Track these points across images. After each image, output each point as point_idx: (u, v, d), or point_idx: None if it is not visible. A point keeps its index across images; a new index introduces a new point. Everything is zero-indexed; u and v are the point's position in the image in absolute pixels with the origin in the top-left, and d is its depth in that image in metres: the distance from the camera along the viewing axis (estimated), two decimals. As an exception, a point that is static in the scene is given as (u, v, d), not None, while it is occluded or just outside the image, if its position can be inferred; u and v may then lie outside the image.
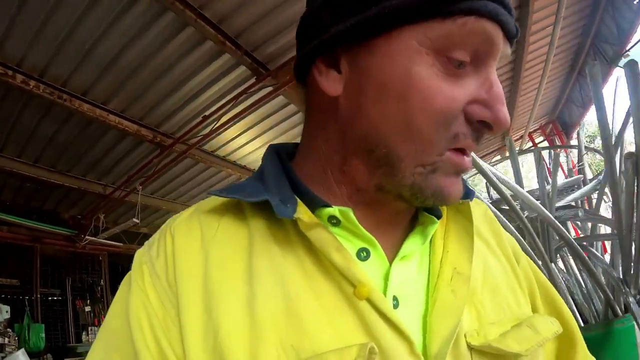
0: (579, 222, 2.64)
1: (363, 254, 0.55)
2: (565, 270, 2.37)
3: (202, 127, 4.89)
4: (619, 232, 1.95)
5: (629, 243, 1.92)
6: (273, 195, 0.54)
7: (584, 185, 2.68)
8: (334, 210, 0.55)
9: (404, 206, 0.58)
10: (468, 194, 0.63)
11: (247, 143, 5.84)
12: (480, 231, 0.68)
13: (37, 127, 4.66)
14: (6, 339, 5.48)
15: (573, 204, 2.54)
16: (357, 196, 0.57)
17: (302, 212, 0.53)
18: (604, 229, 2.63)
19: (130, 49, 3.90)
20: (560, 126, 10.46)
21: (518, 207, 2.21)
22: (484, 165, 2.13)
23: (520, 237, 2.23)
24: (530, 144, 10.78)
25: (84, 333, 7.32)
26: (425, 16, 0.49)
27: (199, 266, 0.53)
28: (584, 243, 2.22)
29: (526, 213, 2.26)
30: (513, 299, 0.62)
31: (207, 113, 4.78)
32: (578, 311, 2.18)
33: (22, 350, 5.34)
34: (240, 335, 0.47)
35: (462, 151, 0.53)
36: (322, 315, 0.49)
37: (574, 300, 2.21)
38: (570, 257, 2.42)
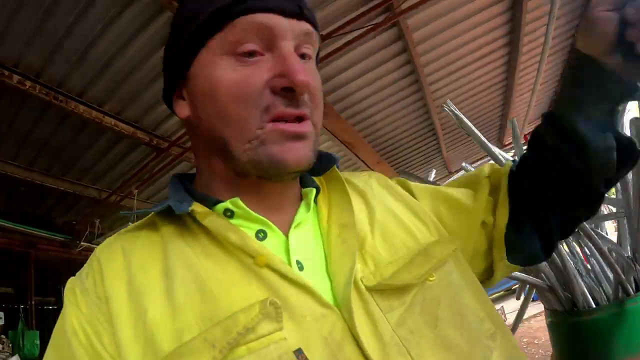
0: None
1: (261, 235, 0.66)
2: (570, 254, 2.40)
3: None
4: (627, 210, 1.97)
5: (637, 221, 1.95)
6: (172, 201, 0.65)
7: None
8: (226, 203, 0.67)
9: (281, 185, 0.70)
10: (331, 159, 0.78)
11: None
12: (365, 190, 0.80)
13: (33, 130, 4.62)
14: (0, 346, 5.40)
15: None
16: (237, 187, 0.69)
17: (196, 207, 0.65)
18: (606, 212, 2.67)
19: (127, 49, 3.88)
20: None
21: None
22: (495, 149, 2.22)
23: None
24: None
25: (78, 340, 7.23)
26: (209, 37, 0.65)
27: (123, 273, 0.62)
28: (591, 225, 2.25)
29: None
30: (408, 235, 0.73)
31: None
32: (590, 294, 2.22)
33: (16, 356, 5.29)
34: (164, 318, 0.56)
35: (290, 120, 0.64)
36: (230, 286, 0.58)
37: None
38: (573, 241, 2.46)
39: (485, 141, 2.40)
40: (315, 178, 0.80)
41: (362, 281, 0.62)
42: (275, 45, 0.64)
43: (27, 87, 3.89)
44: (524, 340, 8.80)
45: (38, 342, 6.10)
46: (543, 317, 8.56)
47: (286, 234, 0.67)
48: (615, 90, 0.70)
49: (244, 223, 0.66)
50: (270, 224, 0.67)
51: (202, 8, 0.65)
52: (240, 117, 0.62)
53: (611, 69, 0.67)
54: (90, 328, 0.58)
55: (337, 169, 0.78)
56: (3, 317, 5.69)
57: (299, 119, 0.65)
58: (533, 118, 9.72)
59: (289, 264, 0.63)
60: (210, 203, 0.68)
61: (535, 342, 8.41)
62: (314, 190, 0.74)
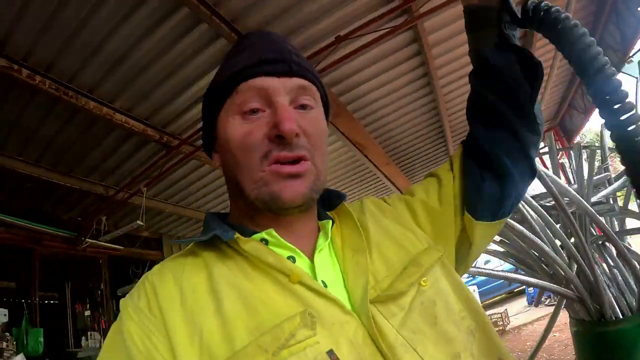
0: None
1: (291, 260, 0.77)
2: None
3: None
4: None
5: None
6: (219, 231, 0.76)
7: (609, 184, 2.68)
8: (262, 233, 0.79)
9: (299, 218, 0.83)
10: (340, 196, 0.93)
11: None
12: (360, 218, 0.91)
13: (41, 125, 4.54)
14: (4, 343, 5.31)
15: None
16: (264, 221, 0.81)
17: (239, 236, 0.75)
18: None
19: (141, 45, 3.80)
20: (561, 132, 10.42)
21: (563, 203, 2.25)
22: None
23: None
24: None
25: (83, 338, 7.17)
26: (223, 102, 0.81)
27: (176, 296, 0.71)
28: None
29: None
30: (399, 248, 0.84)
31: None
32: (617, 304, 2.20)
33: (22, 355, 5.21)
34: (217, 332, 0.65)
35: (287, 162, 0.75)
36: (270, 302, 0.69)
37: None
38: (597, 254, 2.45)
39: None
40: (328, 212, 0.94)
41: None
42: (271, 101, 0.77)
43: (37, 81, 3.81)
44: (528, 343, 8.71)
45: (42, 339, 6.02)
46: (547, 319, 8.46)
47: (310, 259, 0.79)
48: (492, 15, 0.90)
49: (276, 249, 0.78)
50: (298, 250, 0.79)
51: (218, 80, 0.84)
52: (246, 164, 0.77)
53: (483, 3, 0.91)
54: (146, 338, 0.67)
55: (345, 204, 0.92)
56: (7, 314, 5.57)
57: (297, 160, 0.76)
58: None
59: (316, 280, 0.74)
60: (247, 233, 0.79)
61: (540, 345, 8.31)
62: (330, 222, 0.86)
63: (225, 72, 0.82)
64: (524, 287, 11.39)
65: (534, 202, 2.43)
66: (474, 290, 9.56)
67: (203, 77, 4.29)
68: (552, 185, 2.15)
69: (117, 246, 7.06)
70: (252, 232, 0.80)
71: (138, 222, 5.55)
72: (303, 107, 0.81)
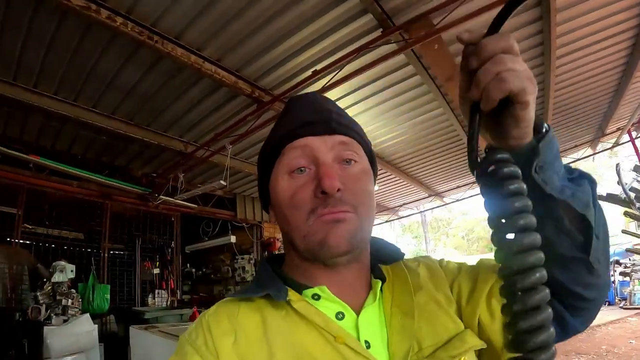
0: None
1: (340, 316, 0.80)
2: None
3: (309, 83, 4.14)
4: None
5: None
6: (271, 289, 0.79)
7: None
8: (315, 289, 0.81)
9: (350, 272, 0.83)
10: (398, 254, 0.91)
11: (351, 105, 5.05)
12: (416, 280, 0.88)
13: (119, 73, 4.06)
14: (70, 301, 5.06)
15: None
16: (319, 274, 0.82)
17: (292, 295, 0.79)
18: None
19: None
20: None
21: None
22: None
23: None
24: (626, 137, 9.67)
25: (150, 296, 6.95)
26: (273, 163, 0.85)
27: (229, 335, 0.76)
28: None
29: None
30: (448, 319, 0.81)
31: (317, 67, 4.02)
32: None
33: (87, 315, 4.98)
34: None
35: (329, 213, 0.76)
36: (318, 356, 0.72)
37: None
38: None
39: None
40: (382, 266, 0.91)
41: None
42: (316, 158, 0.80)
43: (118, 24, 3.28)
44: (603, 347, 7.87)
45: (108, 296, 5.85)
46: (622, 323, 7.65)
47: (358, 314, 0.80)
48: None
49: (327, 304, 0.80)
50: (347, 307, 0.80)
51: (268, 144, 0.88)
52: (295, 220, 0.79)
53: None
54: None
55: (402, 264, 0.90)
56: (74, 270, 5.29)
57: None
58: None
59: (359, 340, 0.76)
60: (299, 287, 0.82)
61: (615, 350, 7.45)
62: (379, 283, 0.86)
63: (274, 136, 0.86)
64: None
65: None
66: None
67: (307, 24, 3.67)
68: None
69: (191, 204, 6.72)
70: (305, 285, 0.83)
71: (221, 182, 5.11)
72: (347, 161, 0.82)
